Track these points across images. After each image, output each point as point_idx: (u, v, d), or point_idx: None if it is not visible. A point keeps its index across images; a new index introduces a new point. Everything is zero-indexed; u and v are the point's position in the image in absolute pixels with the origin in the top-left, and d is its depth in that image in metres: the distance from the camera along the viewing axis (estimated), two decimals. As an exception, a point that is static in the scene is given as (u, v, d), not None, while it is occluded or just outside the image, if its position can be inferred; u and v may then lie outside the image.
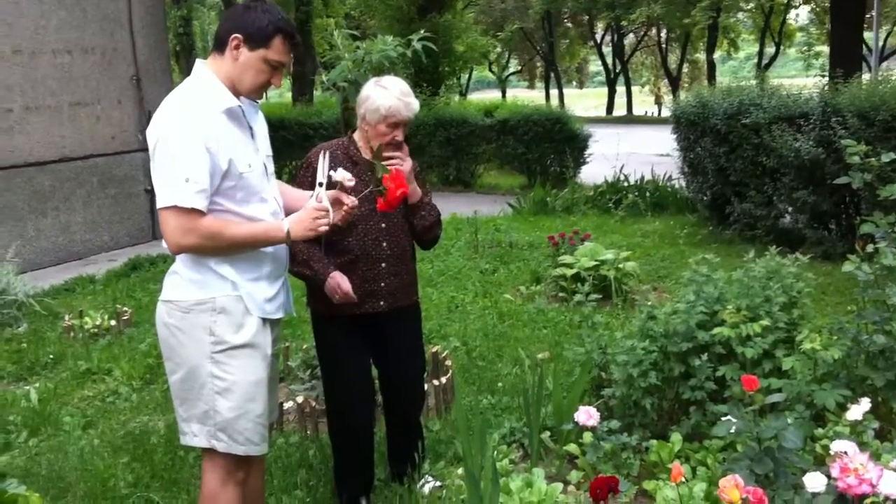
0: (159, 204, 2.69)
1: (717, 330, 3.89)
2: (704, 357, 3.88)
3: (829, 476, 2.90)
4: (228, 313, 2.78)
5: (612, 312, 6.72)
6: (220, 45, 2.80)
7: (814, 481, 2.92)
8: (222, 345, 2.77)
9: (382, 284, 3.56)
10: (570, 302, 6.77)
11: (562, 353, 5.18)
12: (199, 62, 2.88)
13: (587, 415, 3.81)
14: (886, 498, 2.71)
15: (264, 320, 2.89)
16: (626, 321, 5.87)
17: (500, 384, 5.22)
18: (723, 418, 3.19)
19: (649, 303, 4.25)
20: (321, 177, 2.92)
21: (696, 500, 3.18)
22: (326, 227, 2.84)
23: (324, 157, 2.98)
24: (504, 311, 7.03)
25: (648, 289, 6.50)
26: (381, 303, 3.57)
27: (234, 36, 2.75)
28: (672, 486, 3.10)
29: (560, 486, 3.49)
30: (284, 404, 4.66)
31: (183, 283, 2.81)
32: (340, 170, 2.98)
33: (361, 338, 3.64)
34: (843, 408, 3.60)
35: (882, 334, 3.66)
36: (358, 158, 3.52)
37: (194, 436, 2.87)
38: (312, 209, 2.82)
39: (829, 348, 3.74)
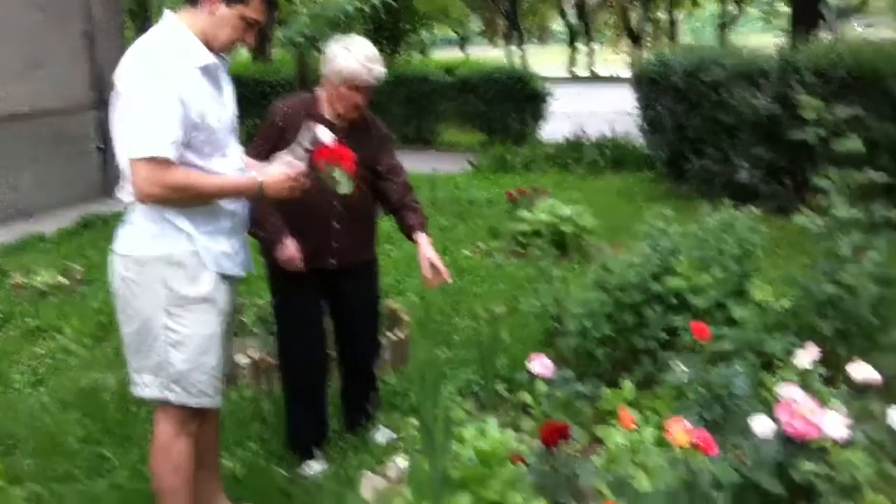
0: (131, 154, 2.64)
1: (671, 281, 3.92)
2: (657, 308, 3.91)
3: (776, 420, 2.95)
4: (184, 267, 2.75)
5: (569, 267, 6.74)
6: None
7: (761, 426, 2.95)
8: (177, 298, 2.75)
9: (334, 243, 3.53)
10: (528, 257, 6.78)
11: (518, 307, 5.20)
12: (168, 13, 2.81)
13: (541, 365, 3.82)
14: (831, 439, 2.76)
15: (222, 276, 2.86)
16: (582, 275, 5.90)
17: (456, 338, 5.22)
18: (673, 366, 3.23)
19: (605, 256, 4.26)
20: (305, 140, 2.90)
21: (647, 444, 3.21)
22: (300, 193, 2.87)
23: (313, 124, 2.96)
24: (462, 267, 7.02)
25: (604, 241, 6.52)
26: (332, 260, 3.55)
27: None
28: (623, 431, 3.12)
29: (513, 433, 3.50)
30: (239, 360, 4.63)
31: (139, 235, 2.78)
32: (325, 129, 2.94)
33: (316, 292, 3.62)
34: (791, 356, 3.65)
35: (832, 284, 3.71)
36: (319, 117, 3.47)
37: (146, 386, 2.85)
38: (293, 171, 2.84)
39: (780, 298, 3.78)
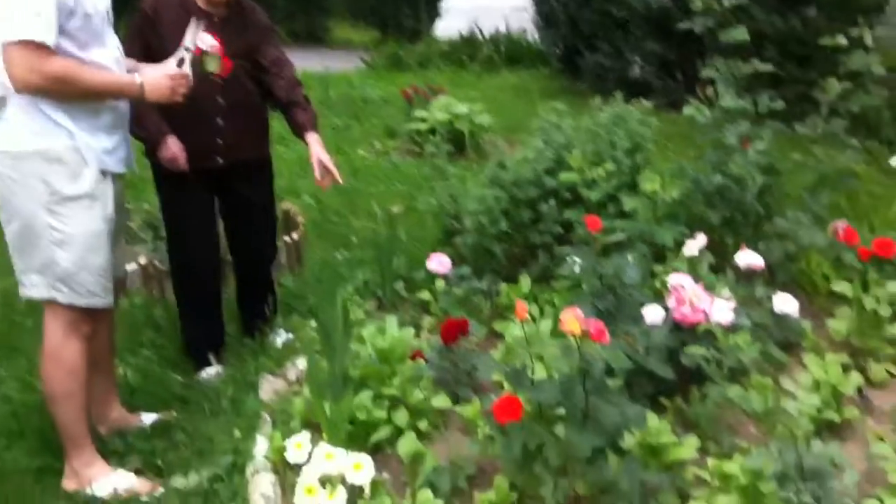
0: (5, 37, 2.51)
1: (564, 175, 3.94)
2: (552, 202, 3.94)
3: (666, 308, 3.04)
4: (64, 163, 2.66)
5: (466, 165, 6.72)
6: None
7: (652, 314, 3.05)
8: (58, 195, 2.67)
9: (219, 140, 3.41)
10: (425, 156, 6.73)
11: (415, 206, 5.17)
12: None
13: (439, 262, 3.83)
14: (718, 324, 2.86)
15: (104, 173, 2.77)
16: (479, 173, 5.90)
17: (353, 239, 5.18)
18: (568, 259, 3.27)
19: (501, 153, 4.24)
20: (189, 42, 2.84)
21: (543, 336, 3.27)
22: (182, 97, 2.86)
23: (196, 25, 2.88)
24: (358, 167, 6.94)
25: (501, 139, 6.51)
26: (219, 159, 3.43)
27: None
28: (520, 325, 3.17)
29: (412, 331, 3.52)
30: (127, 266, 4.48)
31: (15, 130, 2.66)
32: (207, 36, 2.88)
33: (205, 193, 3.51)
34: (681, 246, 3.75)
35: (719, 174, 3.79)
36: (194, 9, 3.29)
37: (33, 286, 2.78)
38: (176, 74, 2.83)
39: (670, 190, 3.86)
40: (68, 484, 2.92)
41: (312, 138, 3.56)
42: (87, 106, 2.72)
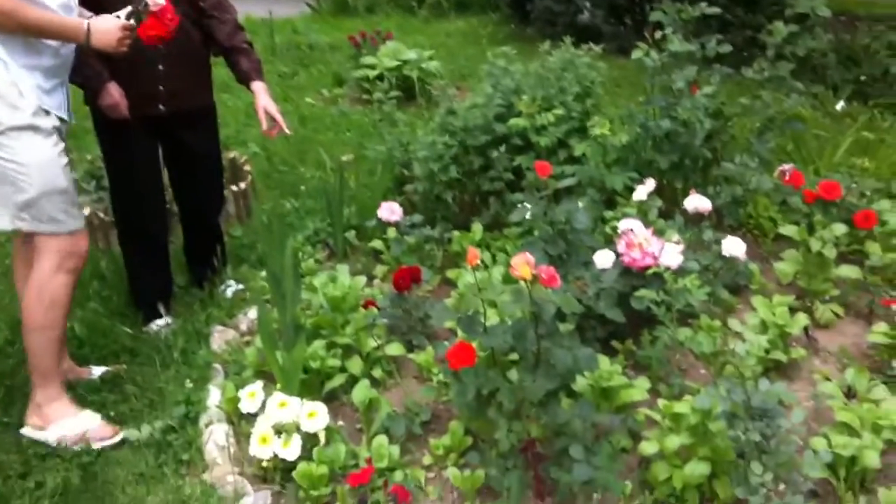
0: None
1: (513, 121, 3.93)
2: (502, 149, 3.93)
3: (616, 253, 3.06)
4: (1, 95, 2.60)
5: (416, 113, 6.66)
6: None
7: (602, 258, 3.07)
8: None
9: (161, 87, 3.32)
10: (373, 103, 6.65)
11: (365, 154, 5.12)
12: None
13: (390, 210, 3.81)
14: (667, 268, 2.89)
15: (45, 111, 2.71)
16: (429, 120, 5.84)
17: (302, 188, 5.12)
18: (519, 205, 3.27)
19: (450, 100, 4.20)
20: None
21: (495, 282, 3.28)
22: (126, 49, 2.82)
23: None
24: (306, 115, 6.83)
25: (451, 86, 6.45)
26: (161, 106, 3.35)
27: None
28: (472, 272, 3.17)
29: (364, 279, 3.51)
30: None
31: None
32: None
33: (148, 141, 3.43)
34: (631, 191, 3.77)
35: (668, 119, 3.80)
36: None
37: None
38: (122, 26, 2.79)
39: (618, 134, 3.87)
40: (31, 419, 2.90)
41: (258, 87, 3.49)
42: (29, 44, 2.66)
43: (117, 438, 2.87)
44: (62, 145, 2.76)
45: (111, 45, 2.79)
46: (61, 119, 2.80)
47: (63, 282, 2.80)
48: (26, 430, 2.90)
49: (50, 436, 2.86)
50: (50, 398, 2.88)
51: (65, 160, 2.76)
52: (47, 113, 2.71)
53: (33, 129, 2.66)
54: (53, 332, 2.84)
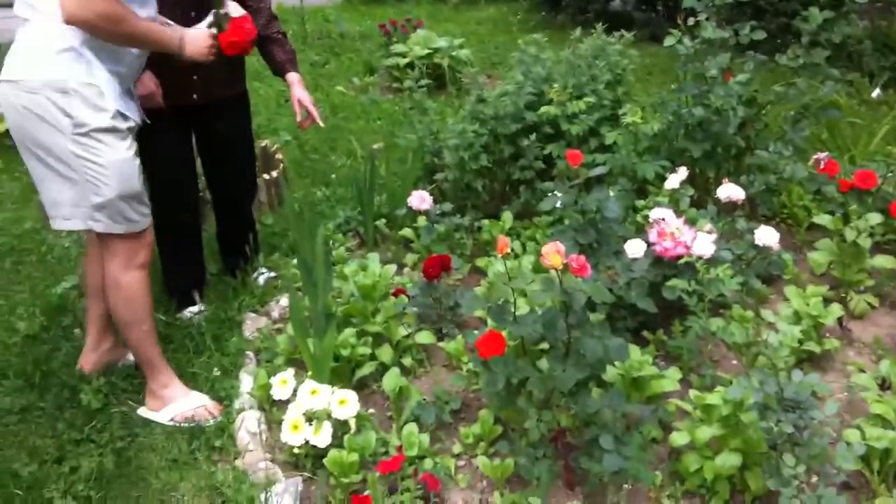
0: None
1: (543, 109, 3.91)
2: (533, 137, 3.91)
3: (647, 242, 3.04)
4: (84, 97, 2.62)
5: (447, 101, 6.66)
6: None
7: (634, 247, 3.05)
8: (84, 127, 2.63)
9: (194, 77, 3.34)
10: (404, 92, 6.65)
11: (395, 142, 5.13)
12: None
13: (420, 199, 3.81)
14: (699, 257, 2.87)
15: (123, 115, 2.74)
16: (459, 108, 5.83)
17: (333, 176, 5.14)
18: (549, 194, 3.26)
19: (481, 88, 4.19)
20: (230, 8, 2.93)
21: (525, 271, 3.27)
22: (213, 57, 2.92)
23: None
24: (337, 104, 6.85)
25: (481, 74, 6.44)
26: (194, 95, 3.37)
27: None
28: (502, 260, 3.17)
29: (394, 267, 3.52)
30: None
31: (32, 61, 2.61)
32: (234, 4, 2.94)
33: (182, 129, 3.46)
34: (662, 180, 3.75)
35: (700, 107, 3.77)
36: None
37: (67, 219, 2.79)
38: (210, 34, 2.90)
39: (650, 122, 3.84)
40: (151, 404, 3.00)
41: (293, 78, 3.51)
42: (113, 51, 2.70)
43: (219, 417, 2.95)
44: (136, 147, 2.80)
45: (202, 54, 2.89)
46: (134, 121, 2.84)
47: (136, 277, 2.85)
48: (142, 411, 3.01)
49: (163, 417, 2.96)
50: (162, 384, 2.98)
51: (138, 161, 2.80)
52: (124, 116, 2.74)
53: (114, 131, 2.69)
54: (143, 326, 2.91)
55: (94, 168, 2.67)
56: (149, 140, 3.44)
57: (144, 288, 2.87)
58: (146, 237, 2.88)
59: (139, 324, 2.89)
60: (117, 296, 2.85)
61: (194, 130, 3.52)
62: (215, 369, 3.17)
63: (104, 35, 2.62)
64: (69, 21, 2.56)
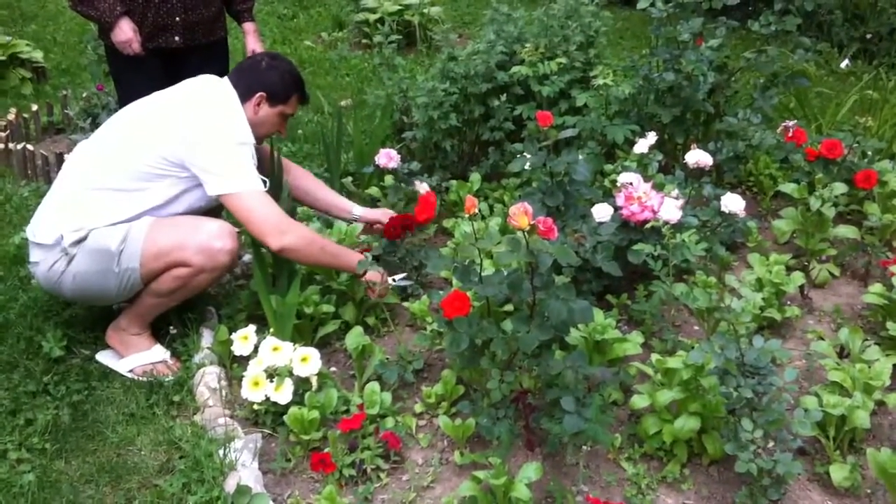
0: (233, 189, 2.79)
1: (515, 69, 3.87)
2: (503, 98, 3.88)
3: (615, 206, 3.03)
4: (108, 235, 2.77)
5: (417, 59, 6.59)
6: (244, 94, 2.95)
7: (601, 211, 3.04)
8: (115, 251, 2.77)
9: (177, 19, 3.28)
10: (374, 48, 6.57)
11: (364, 99, 5.06)
12: (229, 88, 2.94)
13: (388, 157, 3.76)
14: (665, 222, 2.87)
15: None
16: (429, 66, 5.77)
17: (300, 132, 5.07)
18: (518, 155, 3.23)
19: (452, 46, 4.13)
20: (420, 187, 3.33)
21: (492, 232, 3.26)
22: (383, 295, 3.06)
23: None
24: (305, 59, 6.75)
25: (452, 32, 6.35)
26: (176, 38, 3.31)
27: (258, 94, 2.95)
28: (468, 221, 3.15)
29: (360, 226, 3.48)
30: (67, 156, 4.33)
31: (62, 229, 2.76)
32: (424, 185, 3.26)
33: (161, 74, 3.38)
34: (631, 144, 3.73)
35: (672, 71, 3.75)
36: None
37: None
38: (387, 281, 3.06)
39: (621, 85, 3.82)
40: (114, 341, 2.99)
41: (249, 28, 3.45)
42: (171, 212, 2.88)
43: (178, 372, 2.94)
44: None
45: (378, 293, 3.01)
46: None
47: (203, 279, 2.86)
48: (101, 356, 2.99)
49: (122, 366, 2.93)
50: (135, 332, 2.97)
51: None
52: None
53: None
54: (170, 303, 2.94)
55: (126, 266, 2.79)
56: (127, 85, 3.39)
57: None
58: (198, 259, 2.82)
59: (168, 303, 2.93)
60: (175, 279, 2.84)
61: (173, 76, 3.45)
62: (174, 325, 3.13)
63: (305, 261, 2.93)
64: (278, 252, 2.83)
